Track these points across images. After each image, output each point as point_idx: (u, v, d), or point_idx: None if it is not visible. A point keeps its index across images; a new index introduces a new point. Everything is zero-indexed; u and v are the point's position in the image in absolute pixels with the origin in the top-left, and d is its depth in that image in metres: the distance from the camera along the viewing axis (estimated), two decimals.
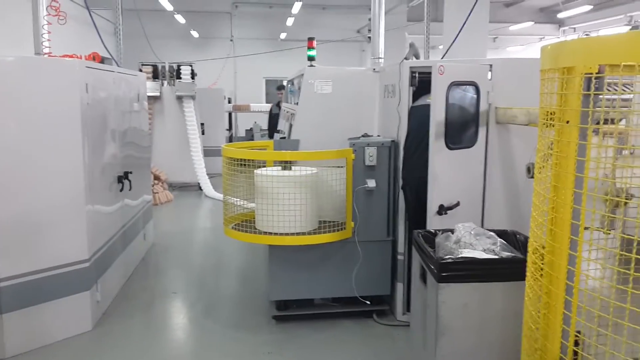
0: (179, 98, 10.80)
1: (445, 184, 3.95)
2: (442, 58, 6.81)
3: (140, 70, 10.09)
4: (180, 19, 16.95)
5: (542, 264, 1.79)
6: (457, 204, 4.00)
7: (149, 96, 9.22)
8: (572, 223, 1.77)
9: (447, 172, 3.96)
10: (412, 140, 4.31)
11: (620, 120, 2.38)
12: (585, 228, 1.78)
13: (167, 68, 10.98)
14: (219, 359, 4.22)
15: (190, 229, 8.42)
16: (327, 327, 4.62)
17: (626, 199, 1.81)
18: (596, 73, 1.66)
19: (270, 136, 9.85)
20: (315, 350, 4.25)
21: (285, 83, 7.71)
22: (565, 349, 1.76)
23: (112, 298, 5.17)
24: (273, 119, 10.45)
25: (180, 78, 10.84)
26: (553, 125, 1.88)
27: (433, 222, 3.88)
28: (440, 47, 12.15)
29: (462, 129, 4.15)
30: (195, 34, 18.60)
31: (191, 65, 10.95)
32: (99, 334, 4.52)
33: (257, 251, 6.58)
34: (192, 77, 10.88)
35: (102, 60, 5.40)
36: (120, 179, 5.36)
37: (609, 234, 1.82)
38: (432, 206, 3.90)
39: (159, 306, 5.21)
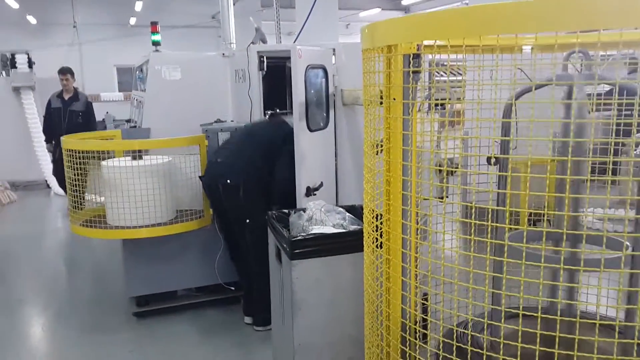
0: (16, 89, 9.85)
1: (309, 165, 4.03)
2: (294, 43, 6.90)
3: None
4: (12, 3, 15.36)
5: (378, 235, 1.91)
6: (321, 185, 4.11)
7: None
8: (404, 194, 1.88)
9: (310, 153, 4.04)
10: None
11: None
12: (424, 199, 1.91)
13: None
14: None
15: (38, 230, 7.73)
16: (191, 318, 4.55)
17: (453, 169, 1.98)
18: (415, 52, 1.78)
19: (49, 140, 8.38)
20: (180, 343, 4.17)
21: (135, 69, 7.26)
22: (406, 314, 1.89)
23: None
24: (54, 115, 8.15)
25: (15, 67, 9.87)
26: (382, 103, 1.99)
27: (302, 203, 3.92)
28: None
29: (317, 111, 4.26)
30: (32, 19, 16.98)
31: (28, 54, 10.02)
32: None
33: (115, 248, 6.26)
34: (30, 66, 9.95)
35: None
36: None
37: (442, 202, 1.96)
38: (300, 188, 3.96)
39: (0, 318, 4.74)
